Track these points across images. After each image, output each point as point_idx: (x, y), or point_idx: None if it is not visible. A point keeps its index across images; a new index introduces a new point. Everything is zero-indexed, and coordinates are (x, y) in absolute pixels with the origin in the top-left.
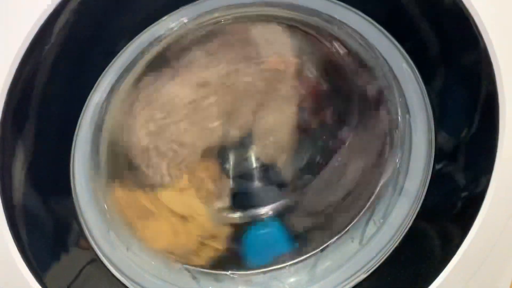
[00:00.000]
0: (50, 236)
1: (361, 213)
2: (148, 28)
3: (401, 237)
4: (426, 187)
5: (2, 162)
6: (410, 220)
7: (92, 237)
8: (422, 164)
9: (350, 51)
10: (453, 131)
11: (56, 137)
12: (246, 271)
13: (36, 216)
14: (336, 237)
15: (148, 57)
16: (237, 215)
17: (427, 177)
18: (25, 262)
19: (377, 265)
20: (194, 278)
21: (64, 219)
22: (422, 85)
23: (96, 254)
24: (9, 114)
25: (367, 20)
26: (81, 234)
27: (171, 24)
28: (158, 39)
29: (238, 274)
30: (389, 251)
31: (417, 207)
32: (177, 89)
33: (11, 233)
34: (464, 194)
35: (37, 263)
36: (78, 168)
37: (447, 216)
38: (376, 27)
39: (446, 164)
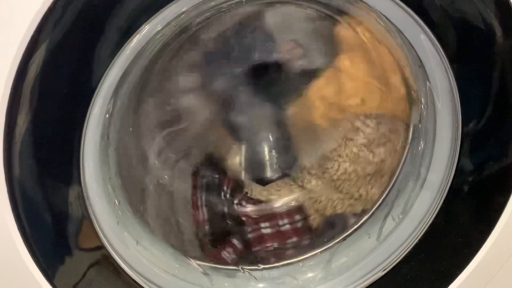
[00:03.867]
0: (58, 228)
1: (376, 207)
2: (161, 10)
3: (422, 233)
4: (451, 178)
5: (9, 153)
6: (432, 215)
7: (102, 230)
8: (447, 153)
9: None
10: (480, 116)
11: (67, 123)
12: (258, 266)
13: (43, 207)
14: (352, 230)
15: (162, 40)
16: None
17: (452, 167)
18: (32, 259)
19: (395, 263)
20: (205, 274)
21: (72, 210)
22: (447, 64)
23: (105, 248)
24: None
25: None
26: (91, 227)
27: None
28: (171, 20)
29: (250, 269)
30: (408, 248)
31: (440, 200)
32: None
33: (18, 228)
34: (490, 187)
35: (44, 258)
36: (88, 157)
37: (471, 211)
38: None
39: (473, 152)
